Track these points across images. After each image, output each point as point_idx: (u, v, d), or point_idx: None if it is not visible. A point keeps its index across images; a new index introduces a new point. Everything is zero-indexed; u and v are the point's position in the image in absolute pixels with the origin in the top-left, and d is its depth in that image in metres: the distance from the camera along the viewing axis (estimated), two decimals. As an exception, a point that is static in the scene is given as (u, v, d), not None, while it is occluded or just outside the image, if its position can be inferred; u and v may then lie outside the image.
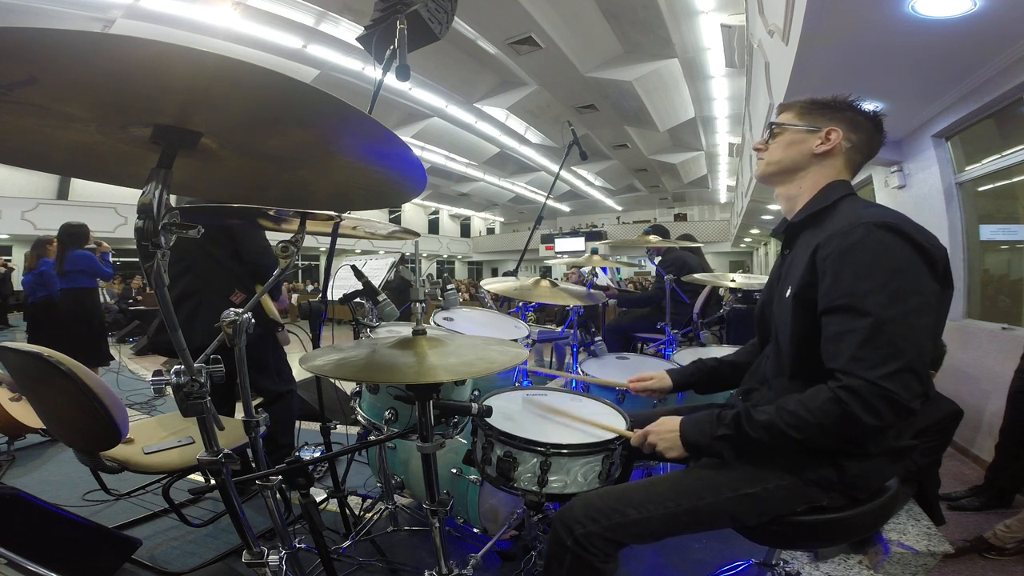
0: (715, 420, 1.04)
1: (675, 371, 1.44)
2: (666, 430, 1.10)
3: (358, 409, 1.49)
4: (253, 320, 1.08)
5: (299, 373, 1.97)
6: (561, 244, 24.90)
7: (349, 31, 8.35)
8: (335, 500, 1.79)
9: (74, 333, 3.91)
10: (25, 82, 0.58)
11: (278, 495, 1.19)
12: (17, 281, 8.89)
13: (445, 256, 26.51)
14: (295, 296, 10.20)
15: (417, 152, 0.94)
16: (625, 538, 1.00)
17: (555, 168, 14.70)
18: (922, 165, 3.87)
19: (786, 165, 1.13)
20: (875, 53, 2.66)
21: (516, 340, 1.88)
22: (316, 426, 1.82)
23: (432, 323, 2.05)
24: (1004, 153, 3.17)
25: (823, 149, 1.09)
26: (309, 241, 1.38)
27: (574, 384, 2.20)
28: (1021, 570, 1.92)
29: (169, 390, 0.90)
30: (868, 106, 1.11)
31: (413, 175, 0.96)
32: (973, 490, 2.51)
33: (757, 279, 2.77)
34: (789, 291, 1.05)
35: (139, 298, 9.80)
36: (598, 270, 4.79)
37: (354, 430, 2.40)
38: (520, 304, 2.58)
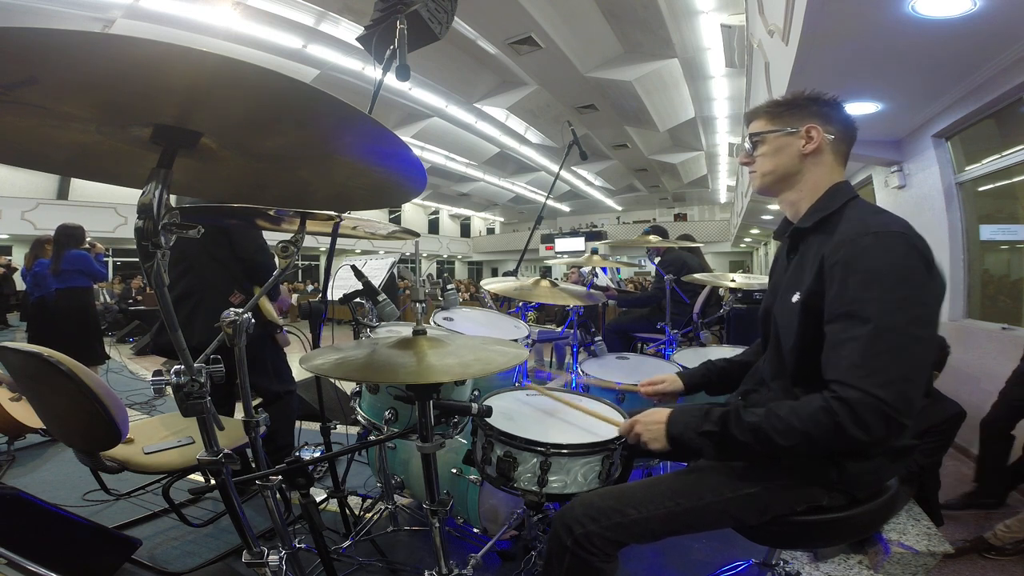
0: (703, 416, 1.02)
1: (685, 373, 1.42)
2: (652, 420, 1.09)
3: (358, 409, 1.49)
4: (252, 320, 1.08)
5: (299, 373, 1.97)
6: (561, 244, 24.89)
7: (349, 31, 8.34)
8: (335, 500, 1.79)
9: (69, 332, 3.91)
10: (25, 82, 0.58)
11: (278, 495, 1.18)
12: (19, 281, 8.91)
13: (445, 256, 26.50)
14: (295, 296, 10.21)
15: (417, 152, 0.94)
16: (625, 538, 1.00)
17: (555, 168, 14.69)
18: (922, 165, 3.86)
19: (781, 173, 1.12)
20: (875, 53, 2.66)
21: (516, 340, 1.88)
22: (316, 426, 1.82)
23: (432, 323, 2.05)
24: (1004, 153, 3.17)
25: (810, 148, 1.07)
26: (309, 241, 1.38)
27: (574, 384, 2.20)
28: (1021, 570, 1.92)
29: (169, 390, 0.90)
30: (825, 95, 1.10)
31: (413, 175, 0.97)
32: (966, 497, 2.48)
33: (757, 279, 2.77)
34: (796, 297, 1.04)
35: (139, 298, 9.80)
36: (598, 270, 4.79)
37: (354, 430, 2.40)
38: (520, 304, 2.58)
